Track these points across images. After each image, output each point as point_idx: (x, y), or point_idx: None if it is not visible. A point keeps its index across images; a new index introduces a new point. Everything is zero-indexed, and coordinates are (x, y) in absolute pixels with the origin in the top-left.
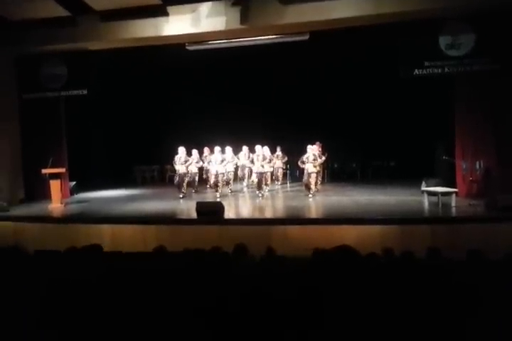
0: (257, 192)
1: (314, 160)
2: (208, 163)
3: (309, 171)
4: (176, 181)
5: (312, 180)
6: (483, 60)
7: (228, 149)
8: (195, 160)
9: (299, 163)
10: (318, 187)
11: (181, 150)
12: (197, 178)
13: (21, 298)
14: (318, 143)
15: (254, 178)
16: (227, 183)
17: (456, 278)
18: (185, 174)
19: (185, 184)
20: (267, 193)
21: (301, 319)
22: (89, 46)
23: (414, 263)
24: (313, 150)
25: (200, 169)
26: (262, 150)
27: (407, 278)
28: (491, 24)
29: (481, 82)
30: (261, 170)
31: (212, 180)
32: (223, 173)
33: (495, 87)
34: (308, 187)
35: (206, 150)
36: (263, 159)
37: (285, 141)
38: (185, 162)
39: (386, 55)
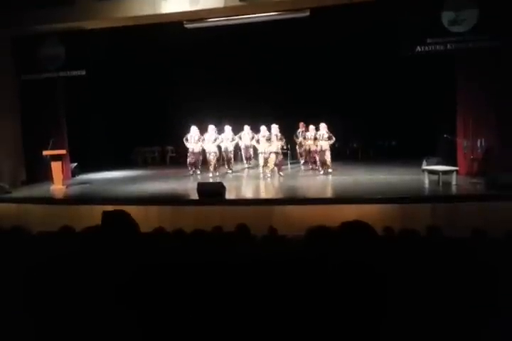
0: (276, 171)
1: (329, 137)
2: (202, 140)
3: (323, 148)
4: (190, 159)
5: (327, 158)
6: (486, 37)
7: (228, 128)
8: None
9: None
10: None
11: (193, 129)
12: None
13: (23, 281)
14: (302, 123)
15: (273, 157)
16: (228, 163)
17: (460, 256)
18: (199, 153)
19: (193, 162)
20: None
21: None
22: (87, 25)
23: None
24: (325, 128)
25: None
26: (277, 130)
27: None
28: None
29: (481, 59)
30: (275, 149)
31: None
32: (215, 152)
33: (496, 64)
34: (325, 163)
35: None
36: (277, 139)
37: (285, 120)
38: (198, 141)
39: (388, 32)
